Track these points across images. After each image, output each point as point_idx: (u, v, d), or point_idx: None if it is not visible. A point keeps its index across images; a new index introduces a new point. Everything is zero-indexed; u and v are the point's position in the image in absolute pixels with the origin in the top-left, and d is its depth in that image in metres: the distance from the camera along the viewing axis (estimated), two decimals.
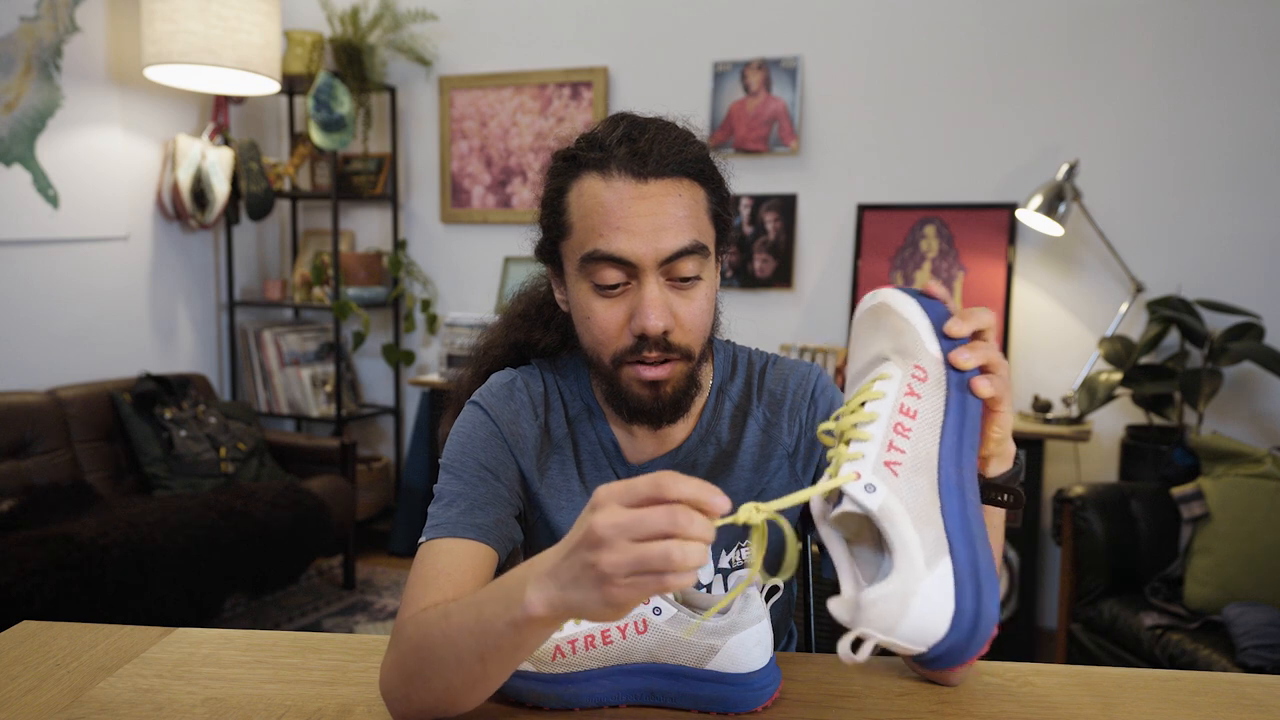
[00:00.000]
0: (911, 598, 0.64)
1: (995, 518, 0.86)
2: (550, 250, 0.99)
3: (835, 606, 0.68)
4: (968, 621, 0.65)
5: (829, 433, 0.74)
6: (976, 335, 0.75)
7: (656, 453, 1.02)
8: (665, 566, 0.61)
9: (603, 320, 0.93)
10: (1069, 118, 2.98)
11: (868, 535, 0.73)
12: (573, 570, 0.65)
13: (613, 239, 0.90)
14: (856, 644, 0.65)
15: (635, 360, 0.93)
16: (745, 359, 1.08)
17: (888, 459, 0.69)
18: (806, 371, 1.07)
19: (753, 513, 0.65)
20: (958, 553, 0.66)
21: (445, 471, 0.97)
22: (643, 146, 0.91)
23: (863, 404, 0.73)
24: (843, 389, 0.77)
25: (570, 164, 0.95)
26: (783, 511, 1.02)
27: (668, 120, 0.97)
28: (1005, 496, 0.81)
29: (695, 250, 0.91)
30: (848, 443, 0.71)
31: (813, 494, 0.69)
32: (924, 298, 0.76)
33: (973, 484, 0.71)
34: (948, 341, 0.74)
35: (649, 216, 0.90)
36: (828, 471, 0.72)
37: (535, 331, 1.08)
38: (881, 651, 1.00)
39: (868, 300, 0.79)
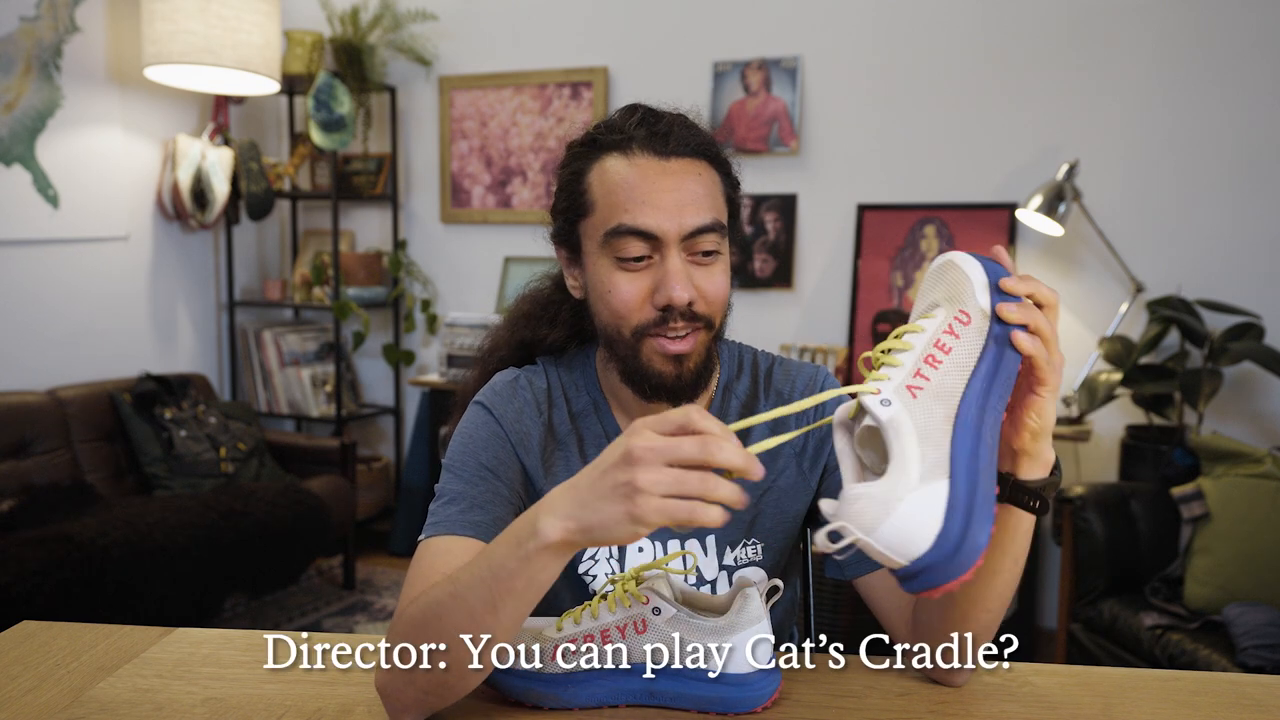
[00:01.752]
0: (897, 504, 0.65)
1: (1022, 523, 0.83)
2: (567, 233, 1.00)
3: (825, 503, 0.69)
4: (950, 544, 0.65)
5: (868, 359, 0.77)
6: (1034, 303, 0.76)
7: None
8: (700, 492, 0.66)
9: (625, 293, 0.94)
10: (1069, 118, 2.98)
11: (882, 461, 0.75)
12: (600, 489, 0.68)
13: (638, 213, 0.92)
14: (835, 539, 0.67)
15: (659, 333, 0.94)
16: (751, 358, 1.09)
17: (910, 384, 0.71)
18: (814, 372, 1.07)
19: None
20: (957, 479, 0.67)
21: (447, 471, 0.97)
22: (661, 129, 0.95)
23: (900, 335, 0.76)
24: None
25: (590, 148, 0.98)
26: (786, 510, 1.03)
27: (679, 110, 1.00)
28: (1033, 502, 0.79)
29: (715, 228, 0.95)
30: (880, 366, 0.74)
31: (830, 395, 0.74)
32: (987, 259, 0.79)
33: (993, 430, 0.72)
34: (999, 296, 0.75)
35: (672, 192, 0.93)
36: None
37: (541, 328, 1.09)
38: (883, 649, 1.00)
39: (937, 259, 0.81)
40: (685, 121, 0.98)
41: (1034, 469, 0.80)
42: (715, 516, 0.66)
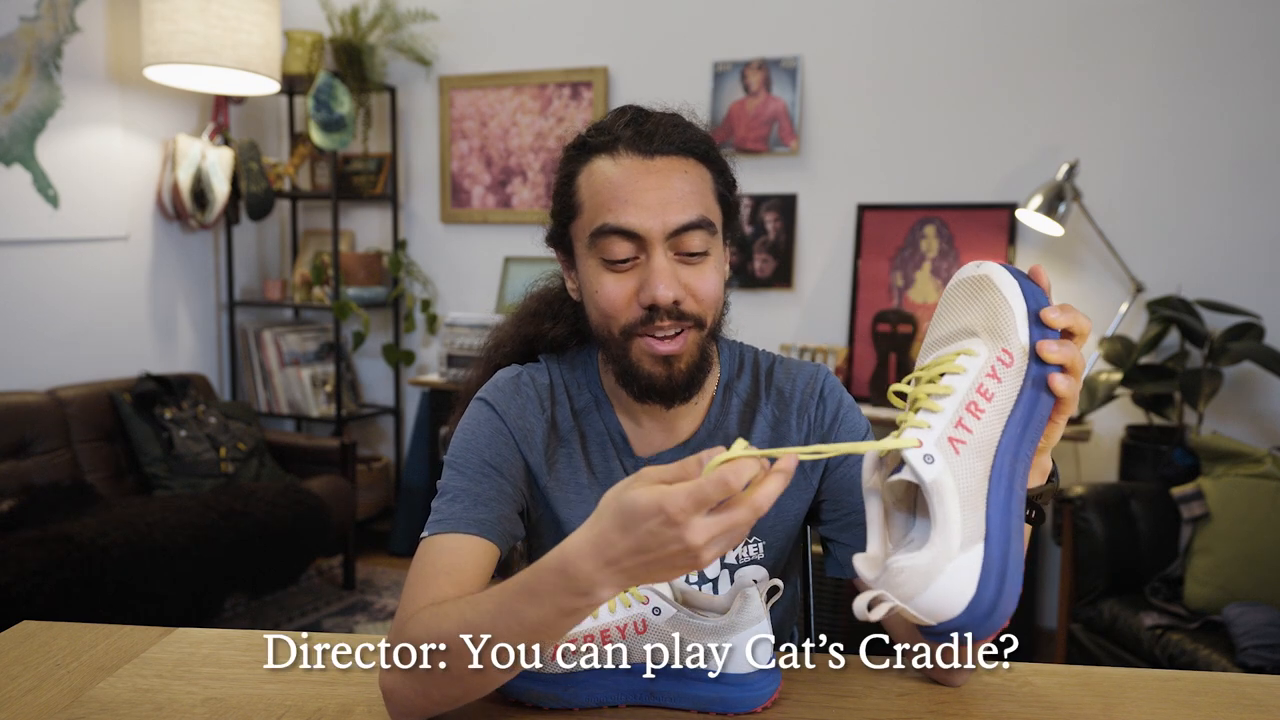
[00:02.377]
0: (938, 575, 0.65)
1: None
2: (561, 235, 1.01)
3: (860, 562, 0.69)
4: (983, 610, 0.66)
5: (900, 395, 0.74)
6: (1067, 333, 0.74)
7: (664, 445, 1.03)
8: (747, 532, 0.67)
9: (611, 293, 0.94)
10: (1069, 118, 2.98)
11: (906, 503, 0.73)
12: (660, 568, 0.68)
13: (621, 212, 0.92)
14: (873, 603, 0.67)
15: (646, 332, 0.94)
16: (751, 357, 1.09)
17: (953, 435, 0.69)
18: (814, 371, 1.07)
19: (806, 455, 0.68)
20: (992, 542, 0.67)
21: (449, 467, 0.97)
22: (648, 128, 0.95)
23: (941, 375, 0.72)
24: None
25: (580, 150, 0.98)
26: (787, 509, 1.03)
27: (673, 109, 1.00)
28: (1030, 512, 0.79)
29: (702, 225, 0.93)
30: (917, 410, 0.71)
31: (871, 448, 0.70)
32: (1027, 281, 0.75)
33: (1023, 479, 0.71)
34: (1038, 330, 0.72)
35: (656, 190, 0.92)
36: (893, 433, 0.71)
37: (545, 324, 1.09)
38: (883, 649, 1.01)
39: (970, 269, 0.77)
40: (675, 120, 0.97)
41: (1031, 478, 0.80)
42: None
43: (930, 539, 0.66)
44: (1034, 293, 0.74)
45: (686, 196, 0.93)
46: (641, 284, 0.93)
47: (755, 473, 0.64)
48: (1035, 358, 0.72)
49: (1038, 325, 0.73)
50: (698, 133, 0.97)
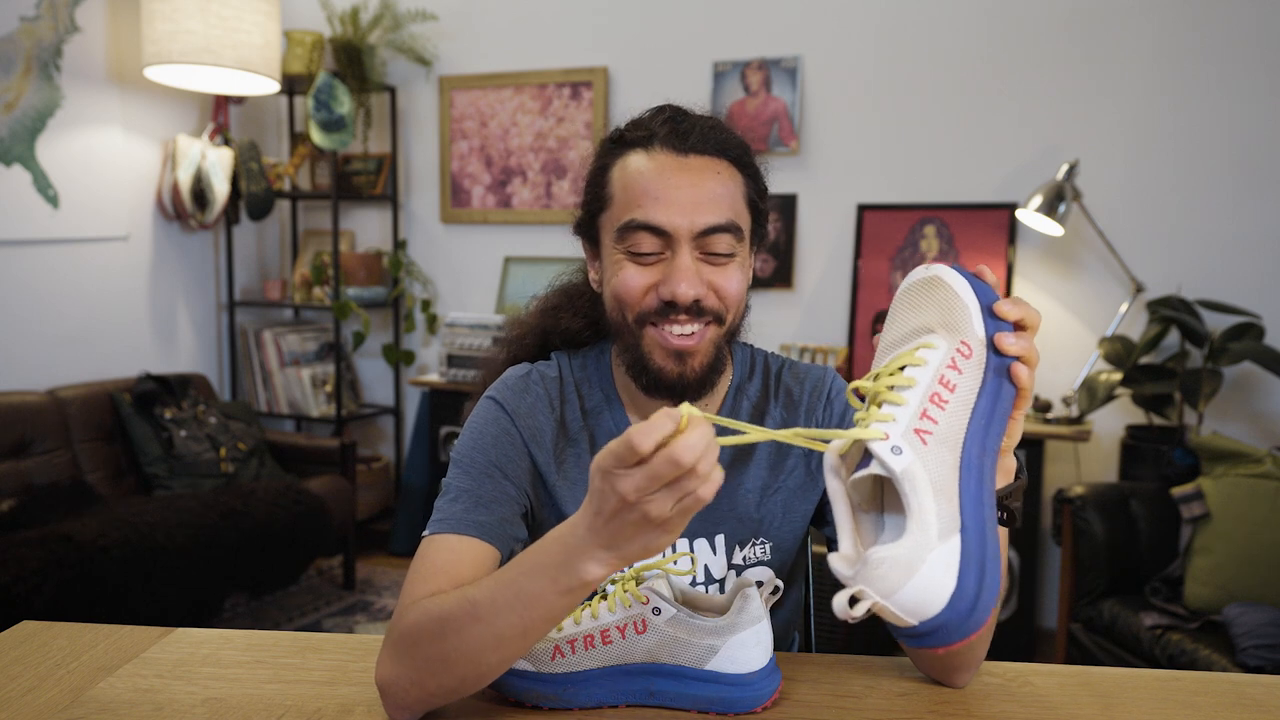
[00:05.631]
0: (919, 565, 0.63)
1: None
2: (589, 225, 1.02)
3: (836, 561, 0.67)
4: (966, 603, 0.63)
5: (858, 392, 0.73)
6: (1020, 326, 0.75)
7: None
8: (697, 486, 0.66)
9: (631, 281, 0.94)
10: (1069, 118, 2.98)
11: (874, 502, 0.72)
12: (624, 528, 0.68)
13: (651, 209, 0.92)
14: (853, 602, 0.64)
15: (661, 323, 0.94)
16: (762, 360, 1.09)
17: (919, 427, 0.67)
18: (822, 374, 1.07)
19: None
20: (968, 533, 0.65)
21: (454, 465, 0.97)
22: (685, 126, 0.95)
23: (902, 368, 0.71)
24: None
25: (616, 144, 0.99)
26: (795, 510, 1.03)
27: (713, 114, 1.01)
28: (1001, 514, 0.79)
29: (729, 229, 0.93)
30: (880, 404, 0.70)
31: (836, 436, 0.68)
32: (976, 279, 0.76)
33: (992, 470, 0.69)
34: (994, 323, 0.73)
35: (688, 189, 0.93)
36: (855, 427, 0.70)
37: (564, 316, 1.10)
38: (881, 649, 1.00)
39: (920, 272, 0.78)
40: (712, 122, 0.97)
41: (997, 479, 0.80)
42: (719, 480, 0.67)
43: (907, 529, 0.64)
44: (984, 289, 0.75)
45: (718, 198, 0.93)
46: (663, 278, 0.93)
47: (707, 444, 0.65)
48: (993, 349, 0.72)
49: (992, 318, 0.74)
50: (734, 137, 0.98)
